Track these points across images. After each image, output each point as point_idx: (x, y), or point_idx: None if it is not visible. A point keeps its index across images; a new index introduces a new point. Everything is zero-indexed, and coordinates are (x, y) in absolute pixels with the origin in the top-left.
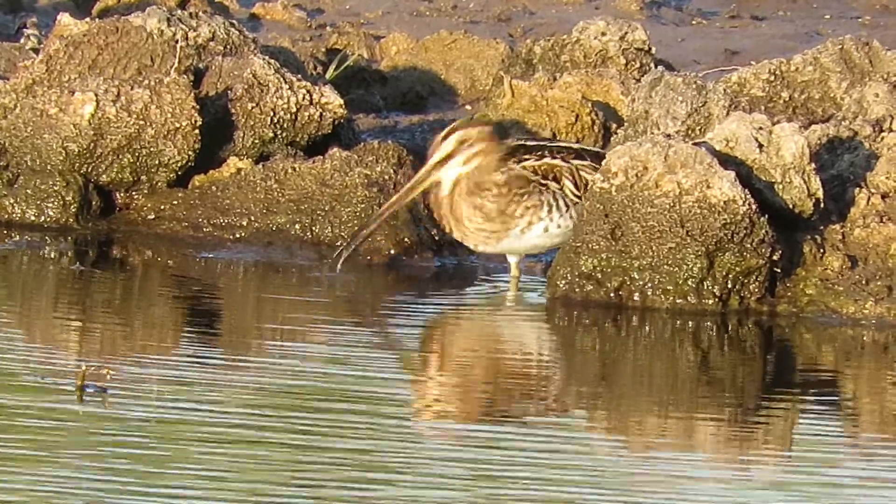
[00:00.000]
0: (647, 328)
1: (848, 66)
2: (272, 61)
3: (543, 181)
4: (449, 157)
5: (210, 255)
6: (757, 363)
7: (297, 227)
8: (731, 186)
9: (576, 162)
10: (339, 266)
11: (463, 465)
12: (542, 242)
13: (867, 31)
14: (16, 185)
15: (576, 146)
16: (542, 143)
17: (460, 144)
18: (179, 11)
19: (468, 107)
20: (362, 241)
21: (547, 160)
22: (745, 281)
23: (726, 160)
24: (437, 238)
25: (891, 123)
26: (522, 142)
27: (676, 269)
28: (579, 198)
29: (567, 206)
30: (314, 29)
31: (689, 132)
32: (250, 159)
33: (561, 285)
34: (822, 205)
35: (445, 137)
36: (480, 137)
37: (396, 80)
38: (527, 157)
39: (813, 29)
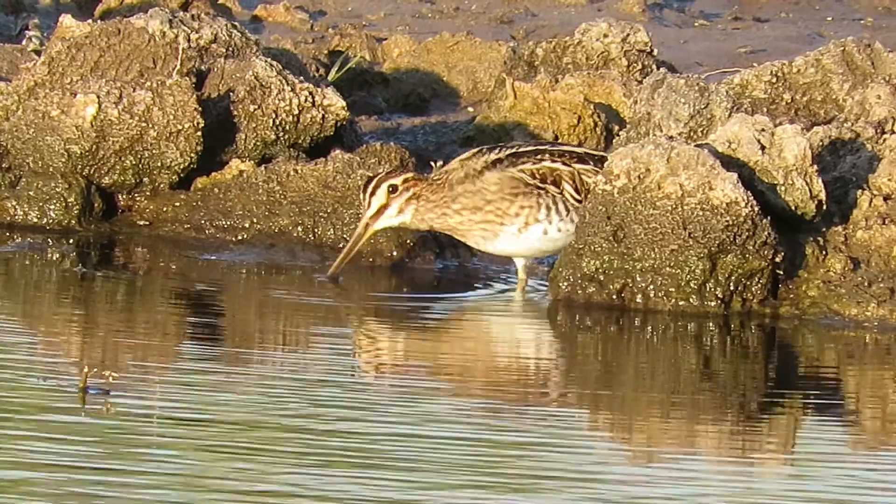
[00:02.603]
0: (649, 330)
1: (850, 67)
2: (274, 63)
3: (542, 185)
4: (384, 207)
5: (212, 257)
6: (759, 365)
7: (299, 228)
8: (734, 188)
9: (577, 166)
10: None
11: (462, 465)
12: (542, 246)
13: (869, 32)
14: (18, 187)
15: (579, 150)
16: (541, 146)
17: (391, 194)
18: (181, 13)
19: (470, 109)
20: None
21: (546, 163)
22: (748, 283)
23: (729, 162)
24: (438, 240)
25: (893, 125)
26: (514, 149)
27: (679, 271)
28: (580, 201)
29: (567, 209)
30: (316, 31)
31: (692, 134)
32: (252, 161)
33: (563, 287)
34: (824, 207)
35: (373, 191)
36: (407, 184)
37: (398, 82)
38: (524, 161)
39: (815, 31)
